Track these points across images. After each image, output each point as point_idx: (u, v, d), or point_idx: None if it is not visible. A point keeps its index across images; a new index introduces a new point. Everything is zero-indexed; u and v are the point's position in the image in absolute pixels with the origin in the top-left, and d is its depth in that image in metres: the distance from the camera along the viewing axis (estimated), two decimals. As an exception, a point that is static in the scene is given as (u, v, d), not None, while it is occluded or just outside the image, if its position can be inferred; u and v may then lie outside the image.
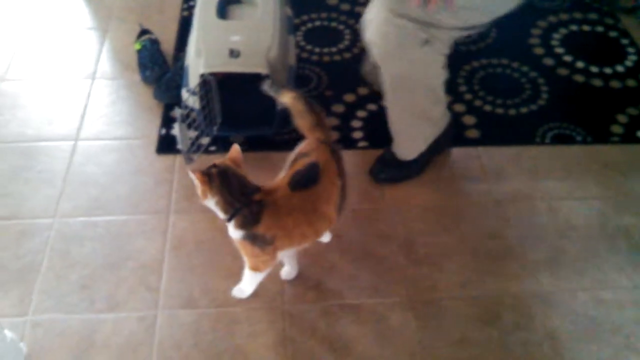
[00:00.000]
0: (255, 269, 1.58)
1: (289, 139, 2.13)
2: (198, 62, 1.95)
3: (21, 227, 1.89)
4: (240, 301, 1.71)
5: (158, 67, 2.33)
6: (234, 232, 1.48)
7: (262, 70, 1.92)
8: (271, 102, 2.00)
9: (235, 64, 1.92)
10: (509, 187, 2.02)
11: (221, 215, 1.47)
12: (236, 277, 1.71)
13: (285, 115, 2.14)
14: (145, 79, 2.33)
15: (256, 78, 1.93)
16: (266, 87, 1.69)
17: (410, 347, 1.64)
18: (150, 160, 2.10)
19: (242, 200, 1.44)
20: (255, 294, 1.72)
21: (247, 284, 1.67)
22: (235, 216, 1.44)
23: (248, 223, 1.45)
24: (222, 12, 2.09)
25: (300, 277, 1.77)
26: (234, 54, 1.93)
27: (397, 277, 1.79)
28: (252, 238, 1.47)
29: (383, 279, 1.78)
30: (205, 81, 1.93)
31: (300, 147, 1.60)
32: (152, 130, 2.17)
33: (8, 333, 1.55)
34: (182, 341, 1.63)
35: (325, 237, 1.83)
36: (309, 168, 1.50)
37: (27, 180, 2.02)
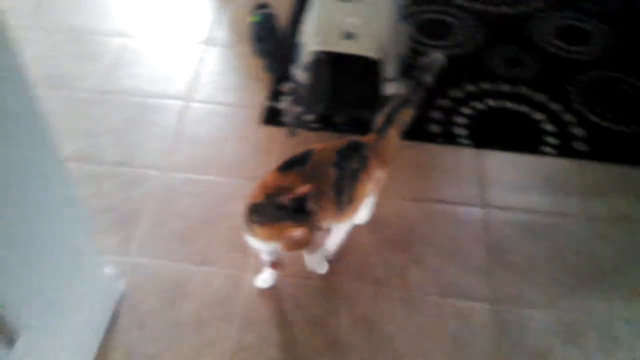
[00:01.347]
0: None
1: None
2: (312, 40, 2.00)
3: (132, 175, 2.02)
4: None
5: (271, 41, 2.39)
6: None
7: (374, 54, 1.96)
8: (376, 86, 2.04)
9: (348, 45, 1.96)
10: (608, 205, 1.97)
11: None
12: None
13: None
14: (257, 52, 2.41)
15: (366, 61, 1.97)
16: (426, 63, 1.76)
17: (486, 354, 1.64)
18: (254, 129, 2.18)
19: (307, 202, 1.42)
20: (341, 270, 1.77)
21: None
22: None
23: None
24: (341, -6, 2.13)
25: (385, 261, 1.81)
26: (348, 35, 1.97)
27: (482, 279, 1.79)
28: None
29: (467, 278, 1.79)
30: (317, 59, 1.99)
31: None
32: (259, 100, 2.26)
33: (108, 270, 1.67)
34: (264, 304, 1.70)
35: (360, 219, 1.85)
36: (302, 154, 1.56)
37: (141, 132, 2.16)
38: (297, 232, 1.36)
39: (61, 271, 1.41)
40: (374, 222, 1.90)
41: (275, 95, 2.28)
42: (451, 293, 1.76)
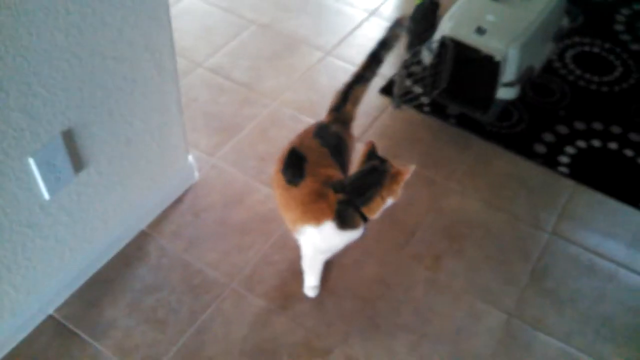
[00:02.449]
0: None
1: (505, 133, 2.20)
2: (445, 24, 2.09)
3: (248, 96, 2.27)
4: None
5: (423, 24, 2.49)
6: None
7: (497, 55, 2.00)
8: (492, 88, 2.08)
9: (475, 39, 2.02)
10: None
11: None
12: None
13: (505, 110, 2.21)
14: (408, 30, 2.52)
15: (488, 61, 2.01)
16: (395, 27, 1.78)
17: (478, 354, 1.66)
18: (370, 95, 2.31)
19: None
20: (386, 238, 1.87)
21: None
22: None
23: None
24: (498, -6, 2.18)
25: (429, 241, 1.87)
26: (480, 30, 2.02)
27: (514, 294, 1.79)
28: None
29: (499, 286, 1.80)
30: (443, 43, 2.07)
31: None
32: (387, 72, 2.38)
33: (191, 159, 1.93)
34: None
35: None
36: (290, 155, 1.59)
37: (277, 65, 2.39)
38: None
39: (145, 135, 1.67)
40: (438, 206, 1.97)
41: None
42: (476, 292, 1.78)
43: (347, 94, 1.70)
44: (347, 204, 1.48)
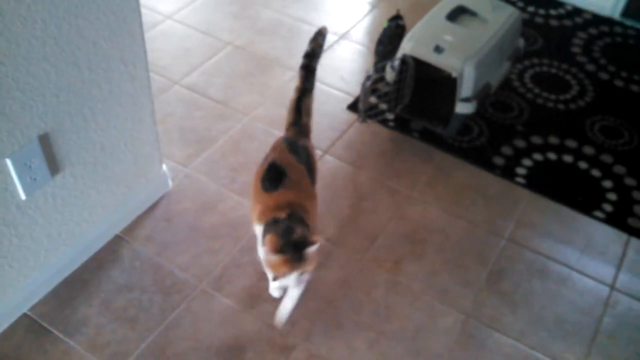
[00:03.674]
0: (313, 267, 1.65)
1: (465, 147, 2.32)
2: (406, 44, 2.22)
3: (222, 112, 2.39)
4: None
5: (390, 46, 2.64)
6: (313, 252, 1.53)
7: (453, 72, 2.12)
8: (452, 106, 2.20)
9: (433, 57, 2.15)
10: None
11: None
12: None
13: (465, 124, 2.34)
14: (376, 52, 2.66)
15: (446, 78, 2.14)
16: (316, 37, 1.89)
17: (435, 353, 1.75)
18: (339, 110, 2.44)
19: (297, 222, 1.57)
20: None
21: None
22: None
23: (307, 228, 1.58)
24: (453, 16, 2.32)
25: (392, 245, 1.97)
26: (438, 49, 2.16)
27: (469, 293, 1.88)
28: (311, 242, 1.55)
29: (457, 288, 1.90)
30: (404, 61, 2.20)
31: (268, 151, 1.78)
32: (354, 90, 2.50)
33: (165, 168, 2.03)
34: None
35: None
36: (270, 169, 1.68)
37: (249, 83, 2.52)
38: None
39: (119, 143, 1.77)
40: (400, 214, 2.07)
41: (372, 91, 2.51)
42: (435, 293, 1.88)
43: (300, 107, 1.83)
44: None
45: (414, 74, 2.25)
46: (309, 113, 1.85)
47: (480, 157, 2.28)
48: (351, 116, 2.42)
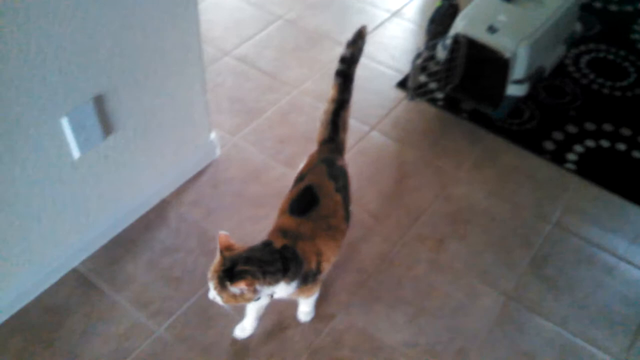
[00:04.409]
0: (312, 294, 1.60)
1: (515, 130, 2.28)
2: (459, 22, 2.19)
3: (271, 84, 2.41)
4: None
5: (442, 26, 2.60)
6: (288, 288, 1.43)
7: (506, 53, 2.09)
8: (502, 85, 2.17)
9: (486, 37, 2.12)
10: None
11: (280, 288, 1.41)
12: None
13: (516, 107, 2.30)
14: (427, 30, 2.63)
15: (499, 59, 2.11)
16: (355, 40, 1.66)
17: (474, 332, 1.75)
18: (387, 88, 2.43)
19: (278, 258, 1.39)
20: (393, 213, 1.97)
21: (311, 306, 1.69)
22: (287, 274, 1.40)
23: (297, 269, 1.42)
24: (511, -4, 2.28)
25: (434, 224, 1.97)
26: (492, 29, 2.12)
27: (513, 277, 1.87)
28: (305, 279, 1.45)
29: (499, 270, 1.89)
30: (456, 40, 2.17)
31: (302, 166, 1.64)
32: (404, 68, 2.48)
33: (213, 136, 2.06)
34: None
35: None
36: (304, 193, 1.53)
37: (298, 57, 2.53)
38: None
39: (170, 108, 1.80)
40: (445, 193, 2.07)
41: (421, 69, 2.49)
42: (476, 274, 1.86)
43: (336, 122, 1.66)
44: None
45: (465, 54, 2.22)
46: (345, 128, 1.69)
47: (530, 141, 2.25)
48: (400, 94, 2.41)
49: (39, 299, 1.72)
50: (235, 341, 1.67)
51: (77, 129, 1.55)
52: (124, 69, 1.59)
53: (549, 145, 2.24)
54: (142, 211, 1.92)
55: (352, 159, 2.14)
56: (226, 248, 1.36)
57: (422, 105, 2.36)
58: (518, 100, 2.25)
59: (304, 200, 1.52)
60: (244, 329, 1.66)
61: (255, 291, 1.34)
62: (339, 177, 1.60)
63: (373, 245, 1.91)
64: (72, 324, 1.68)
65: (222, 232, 1.37)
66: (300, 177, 1.59)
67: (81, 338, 1.65)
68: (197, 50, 1.79)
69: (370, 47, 2.59)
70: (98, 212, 1.77)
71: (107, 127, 1.64)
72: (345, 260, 1.85)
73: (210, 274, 1.36)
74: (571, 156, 2.22)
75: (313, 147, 2.14)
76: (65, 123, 1.51)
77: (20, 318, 1.68)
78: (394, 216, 2.00)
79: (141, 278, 1.78)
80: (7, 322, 1.67)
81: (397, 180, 2.11)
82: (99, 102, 1.58)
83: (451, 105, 2.35)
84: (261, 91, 2.37)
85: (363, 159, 2.14)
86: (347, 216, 1.59)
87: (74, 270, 1.78)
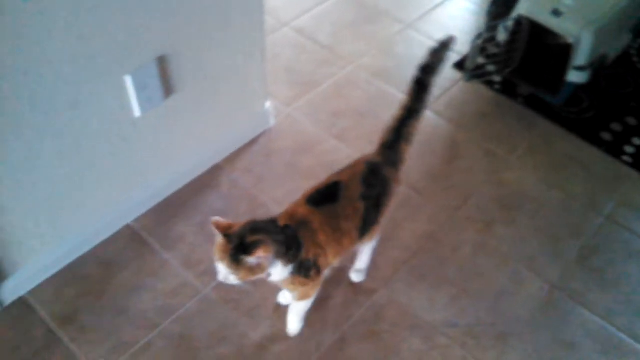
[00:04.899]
0: (305, 297, 1.53)
1: (572, 118, 2.24)
2: (522, 4, 2.15)
3: (328, 58, 2.42)
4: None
5: (504, 7, 2.56)
6: (283, 272, 1.38)
7: (569, 37, 2.05)
8: (564, 73, 2.13)
9: (550, 20, 2.08)
10: None
11: (277, 268, 1.36)
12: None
13: (575, 94, 2.26)
14: (488, 12, 2.60)
15: (561, 43, 2.07)
16: (440, 49, 1.55)
17: (516, 318, 1.75)
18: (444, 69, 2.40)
19: (281, 233, 1.35)
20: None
21: (299, 315, 1.63)
22: (288, 252, 1.35)
23: (296, 251, 1.37)
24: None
25: (483, 206, 1.96)
26: (556, 12, 2.08)
27: (559, 266, 1.85)
28: (299, 267, 1.40)
29: (546, 258, 1.87)
30: (519, 22, 2.13)
31: (351, 161, 1.56)
32: (464, 50, 2.45)
33: (269, 105, 2.08)
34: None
35: (357, 277, 1.76)
36: (329, 187, 1.47)
37: (356, 32, 2.53)
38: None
39: (230, 74, 1.83)
40: (495, 178, 2.05)
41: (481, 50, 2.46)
42: (522, 260, 1.85)
43: (401, 130, 1.55)
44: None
45: (527, 37, 2.18)
46: (409, 140, 1.57)
47: (587, 131, 2.20)
48: (456, 75, 2.39)
49: (93, 252, 1.78)
50: (278, 306, 1.70)
51: (139, 88, 1.58)
52: (188, 32, 1.62)
53: (606, 136, 2.20)
54: (196, 174, 1.96)
55: (405, 136, 2.15)
56: (226, 229, 1.31)
57: (479, 88, 2.34)
58: (578, 87, 2.21)
59: (325, 194, 1.46)
60: (287, 296, 1.69)
61: (269, 260, 1.31)
62: (375, 186, 1.49)
63: (419, 224, 1.92)
64: (122, 278, 1.73)
65: (215, 218, 1.32)
66: (339, 171, 1.53)
67: (130, 292, 1.71)
68: (259, 18, 1.81)
69: (429, 26, 2.57)
70: (153, 171, 1.81)
71: (167, 88, 1.67)
72: (391, 237, 1.86)
73: (217, 255, 1.31)
74: (629, 149, 2.17)
75: (365, 123, 2.16)
76: (128, 81, 1.55)
77: (75, 269, 1.75)
78: (443, 196, 1.99)
79: (191, 239, 1.82)
80: (62, 271, 1.74)
81: (447, 160, 2.10)
82: (162, 63, 1.61)
83: (508, 89, 2.32)
84: (317, 64, 2.38)
85: (415, 138, 2.13)
86: (363, 228, 1.50)
87: (127, 227, 1.84)
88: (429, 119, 2.22)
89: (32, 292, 1.69)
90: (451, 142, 2.16)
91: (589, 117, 2.25)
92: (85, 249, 1.77)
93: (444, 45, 1.55)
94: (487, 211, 1.96)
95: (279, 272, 1.37)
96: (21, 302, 1.68)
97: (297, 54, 2.41)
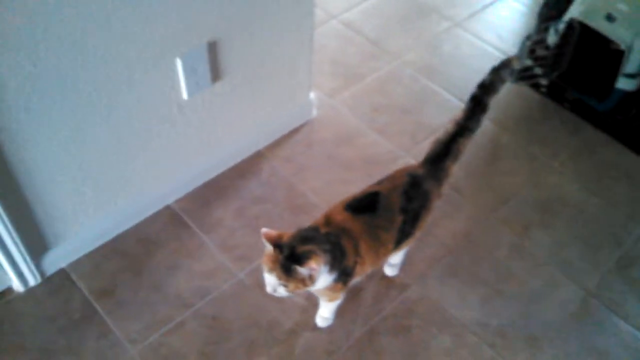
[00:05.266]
0: (334, 299, 1.54)
1: (619, 125, 2.20)
2: (575, 7, 2.12)
3: (374, 52, 2.43)
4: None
5: (555, 10, 2.52)
6: (327, 280, 1.36)
7: (622, 44, 2.01)
8: (613, 77, 2.10)
9: (603, 25, 2.05)
10: None
11: (324, 278, 1.35)
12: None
13: (624, 102, 2.22)
14: (539, 14, 2.56)
15: (613, 49, 2.03)
16: (501, 68, 1.52)
17: (546, 320, 1.72)
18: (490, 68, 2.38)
19: (326, 241, 1.34)
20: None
21: (331, 312, 1.64)
22: (334, 260, 1.34)
23: (341, 258, 1.36)
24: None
25: (522, 209, 1.94)
26: (610, 17, 2.05)
27: (597, 275, 1.84)
28: (340, 275, 1.38)
29: (584, 264, 1.86)
30: (570, 25, 2.11)
31: (393, 171, 1.53)
32: (512, 51, 2.43)
33: (312, 96, 2.10)
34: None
35: (391, 271, 1.76)
36: (368, 196, 1.45)
37: (404, 28, 2.53)
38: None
39: (277, 62, 1.85)
40: (536, 181, 2.03)
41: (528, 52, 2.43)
42: (559, 265, 1.84)
43: (450, 147, 1.50)
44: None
45: (577, 41, 2.15)
46: (457, 157, 1.52)
47: (633, 139, 2.17)
48: (502, 75, 2.36)
49: (133, 230, 1.83)
50: (310, 294, 1.71)
51: (188, 71, 1.62)
52: (239, 18, 1.64)
53: (654, 145, 2.16)
54: (237, 160, 1.99)
55: (446, 134, 2.14)
56: (276, 239, 1.32)
57: (524, 90, 2.32)
58: (626, 95, 2.17)
59: (364, 202, 1.44)
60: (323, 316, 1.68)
61: (319, 271, 1.30)
62: (415, 199, 1.46)
63: (457, 222, 1.91)
64: (160, 257, 1.78)
65: (264, 230, 1.33)
66: (380, 181, 1.51)
67: (167, 271, 1.75)
68: (309, 8, 1.82)
69: (478, 25, 2.56)
70: (196, 154, 1.85)
71: (216, 73, 1.70)
72: (427, 234, 1.86)
73: (267, 266, 1.31)
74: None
75: (407, 119, 2.16)
76: (178, 64, 1.58)
77: (115, 245, 1.79)
78: (482, 196, 1.99)
79: (229, 223, 1.85)
80: (102, 246, 1.79)
81: (488, 161, 2.09)
82: (212, 48, 1.64)
83: (554, 92, 2.29)
84: (363, 57, 2.39)
85: (462, 156, 2.13)
86: (399, 240, 1.49)
87: (168, 207, 1.88)
88: (472, 118, 2.21)
89: (73, 265, 1.75)
90: (494, 143, 2.15)
91: (636, 125, 2.21)
92: (126, 226, 1.82)
93: (505, 65, 1.51)
94: (526, 214, 1.95)
95: (322, 279, 1.36)
96: (61, 273, 1.73)
97: (343, 46, 2.42)
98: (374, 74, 2.33)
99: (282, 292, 1.33)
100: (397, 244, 1.51)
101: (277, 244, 1.30)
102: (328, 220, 1.41)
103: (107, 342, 1.61)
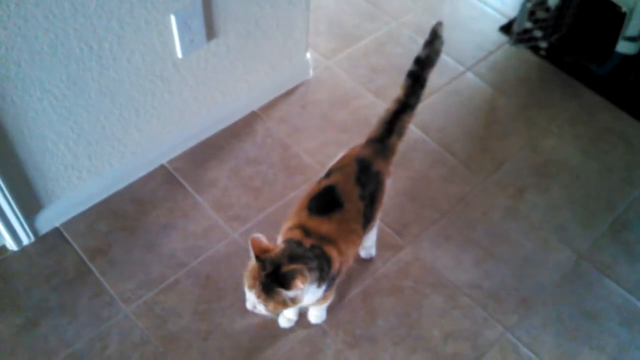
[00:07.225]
0: (326, 300, 1.51)
1: (617, 90, 2.18)
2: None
3: (372, 12, 2.40)
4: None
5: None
6: (317, 292, 1.33)
7: (623, 6, 1.99)
8: (614, 43, 2.07)
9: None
10: None
11: (310, 292, 1.30)
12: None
13: (623, 66, 2.20)
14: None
15: (614, 12, 2.00)
16: (432, 41, 1.48)
17: (540, 283, 1.73)
18: (490, 30, 2.37)
19: (313, 257, 1.29)
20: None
21: (324, 310, 1.60)
22: (322, 274, 1.31)
23: (328, 270, 1.33)
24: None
25: (520, 173, 1.94)
26: (612, -21, 2.02)
27: (588, 235, 1.83)
28: (329, 283, 1.36)
29: (577, 230, 1.85)
30: (571, -13, 2.08)
31: (337, 159, 1.51)
32: (513, 13, 2.39)
33: (308, 56, 2.08)
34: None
35: (366, 253, 1.73)
36: (325, 193, 1.41)
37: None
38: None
39: (272, 21, 1.82)
40: (532, 145, 2.02)
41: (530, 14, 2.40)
42: (552, 228, 1.84)
43: (392, 124, 1.48)
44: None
45: (578, 3, 2.12)
46: (401, 134, 1.50)
47: (631, 104, 2.15)
48: (502, 38, 2.34)
49: (127, 189, 1.82)
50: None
51: (182, 28, 1.59)
52: (233, -24, 1.62)
53: (651, 110, 2.15)
54: (232, 120, 1.98)
55: (443, 97, 2.13)
56: (261, 251, 1.25)
57: (523, 53, 2.29)
58: (626, 58, 2.15)
59: (325, 200, 1.40)
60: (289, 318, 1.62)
61: (304, 291, 1.25)
62: (369, 184, 1.44)
63: (452, 185, 1.91)
64: (154, 217, 1.77)
65: (255, 235, 1.27)
66: (328, 173, 1.47)
67: (161, 231, 1.75)
68: (304, -34, 1.79)
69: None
70: (191, 114, 1.83)
71: (210, 31, 1.68)
72: (422, 196, 1.86)
73: (248, 282, 1.25)
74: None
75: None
76: (173, 20, 1.56)
77: (108, 204, 1.79)
78: (478, 160, 1.98)
79: (223, 183, 1.85)
80: (96, 206, 1.78)
81: (485, 124, 2.08)
82: (206, 4, 1.61)
83: (554, 56, 2.27)
84: (361, 18, 2.35)
85: (454, 99, 2.12)
86: (365, 224, 1.46)
87: (162, 167, 1.87)
88: (470, 80, 2.19)
89: (67, 224, 1.74)
90: (491, 106, 2.13)
91: (634, 89, 2.19)
92: (120, 186, 1.81)
93: (434, 35, 1.47)
94: (521, 177, 1.95)
95: (311, 295, 1.31)
96: (55, 232, 1.73)
97: (341, 6, 2.39)
98: (371, 35, 2.30)
99: (260, 310, 1.28)
100: (363, 229, 1.47)
101: (259, 258, 1.24)
102: (305, 230, 1.36)
103: (100, 301, 1.62)
